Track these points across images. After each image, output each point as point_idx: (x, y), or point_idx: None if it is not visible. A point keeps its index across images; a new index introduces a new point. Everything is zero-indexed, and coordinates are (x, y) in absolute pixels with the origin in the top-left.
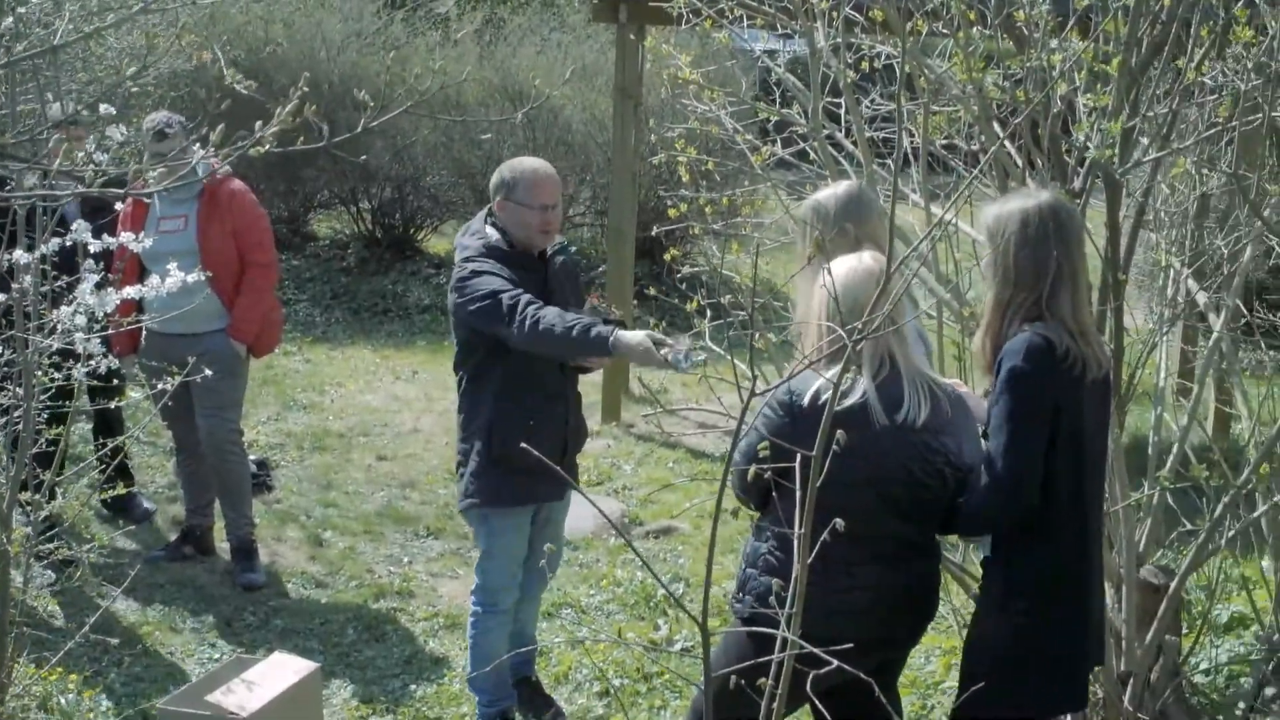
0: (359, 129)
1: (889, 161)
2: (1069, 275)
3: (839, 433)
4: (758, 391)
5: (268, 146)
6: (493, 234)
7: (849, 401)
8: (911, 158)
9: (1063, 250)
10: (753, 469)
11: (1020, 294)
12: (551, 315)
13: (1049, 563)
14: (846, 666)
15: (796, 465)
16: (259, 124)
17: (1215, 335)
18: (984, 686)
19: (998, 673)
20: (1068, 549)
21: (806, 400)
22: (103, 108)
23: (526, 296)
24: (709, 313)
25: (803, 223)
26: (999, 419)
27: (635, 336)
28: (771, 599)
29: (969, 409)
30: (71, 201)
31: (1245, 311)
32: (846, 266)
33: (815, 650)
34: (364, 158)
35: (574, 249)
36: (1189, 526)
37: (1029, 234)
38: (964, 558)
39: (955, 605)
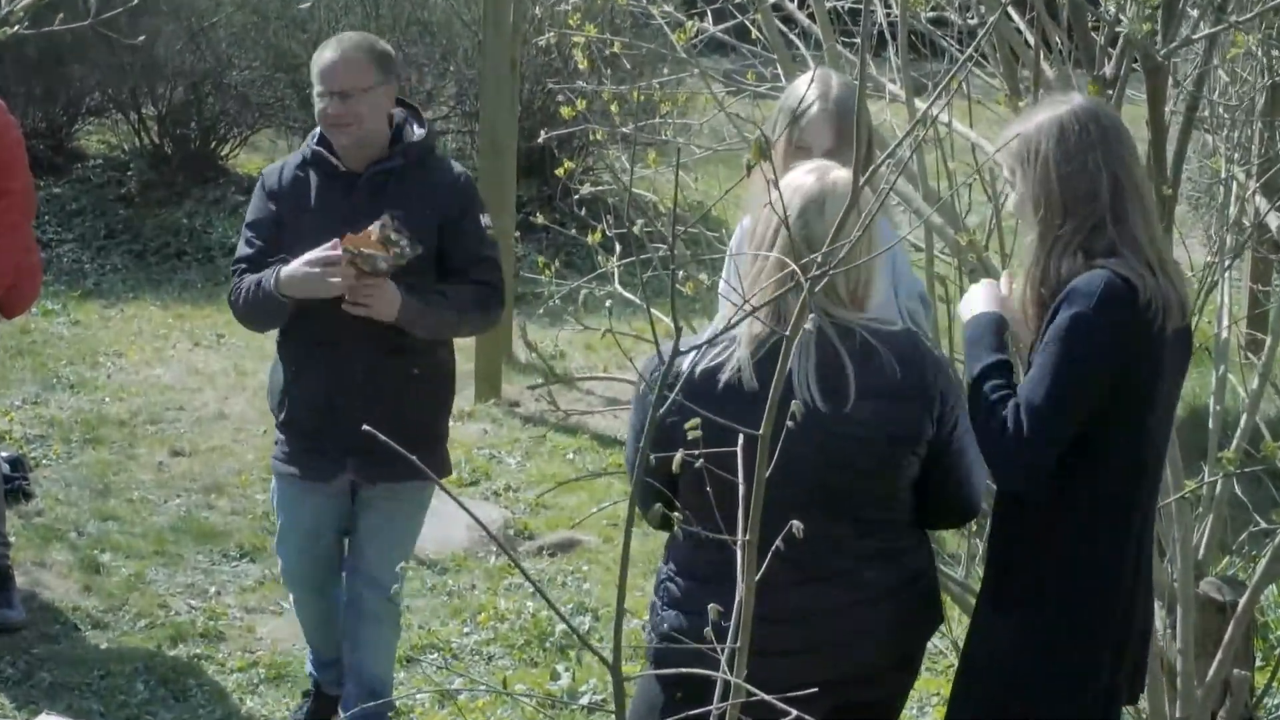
0: None
1: (856, 41)
2: (1133, 190)
3: (794, 403)
4: (683, 350)
5: (17, 26)
6: (312, 141)
7: (727, 367)
8: (888, 35)
9: (1117, 160)
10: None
11: (1073, 222)
12: (247, 282)
13: (1076, 560)
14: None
15: (688, 454)
16: None
17: None
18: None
19: (984, 689)
20: (1106, 546)
21: (694, 366)
22: None
23: (243, 265)
24: (618, 247)
25: (771, 121)
26: (1044, 368)
27: (297, 264)
28: (682, 637)
29: (933, 365)
30: None
31: None
32: (801, 178)
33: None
34: (142, 39)
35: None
36: (1263, 524)
37: (1070, 146)
38: (967, 572)
39: (957, 639)
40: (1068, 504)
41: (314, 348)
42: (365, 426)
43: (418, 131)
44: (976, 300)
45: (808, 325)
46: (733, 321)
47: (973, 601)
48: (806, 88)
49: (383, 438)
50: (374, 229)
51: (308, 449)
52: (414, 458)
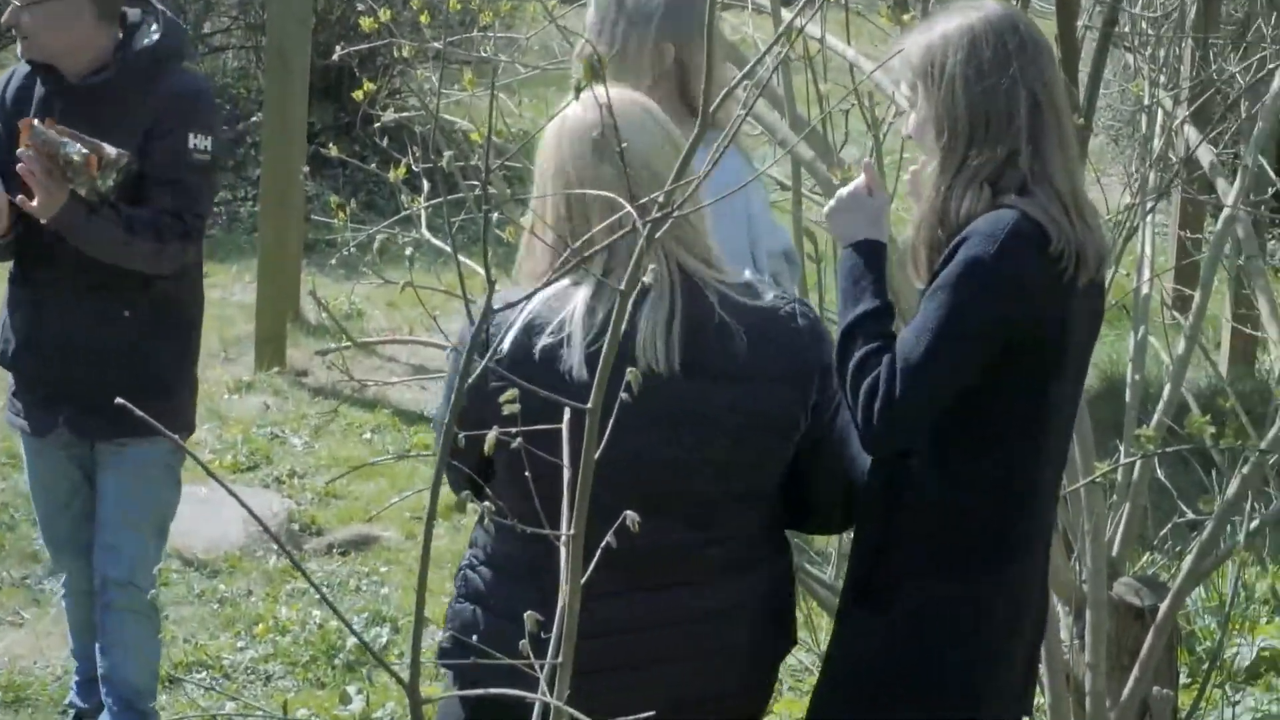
0: None
1: None
2: (1053, 116)
3: (630, 372)
4: (497, 307)
5: None
6: None
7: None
8: None
9: (1037, 80)
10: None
11: (983, 152)
12: None
13: (959, 549)
14: None
15: (503, 432)
16: None
17: (1227, 213)
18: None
19: (848, 693)
20: (995, 534)
21: (512, 339)
22: None
23: None
24: (426, 185)
25: (596, 27)
26: (927, 317)
27: None
28: (474, 638)
29: (810, 340)
30: None
31: (1274, 175)
32: (627, 108)
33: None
34: None
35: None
36: (1189, 515)
37: (983, 62)
38: (837, 572)
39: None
40: (949, 483)
41: (23, 283)
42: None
43: (151, 38)
44: (854, 220)
45: (647, 278)
46: (554, 275)
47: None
48: None
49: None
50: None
51: (27, 399)
52: (139, 410)
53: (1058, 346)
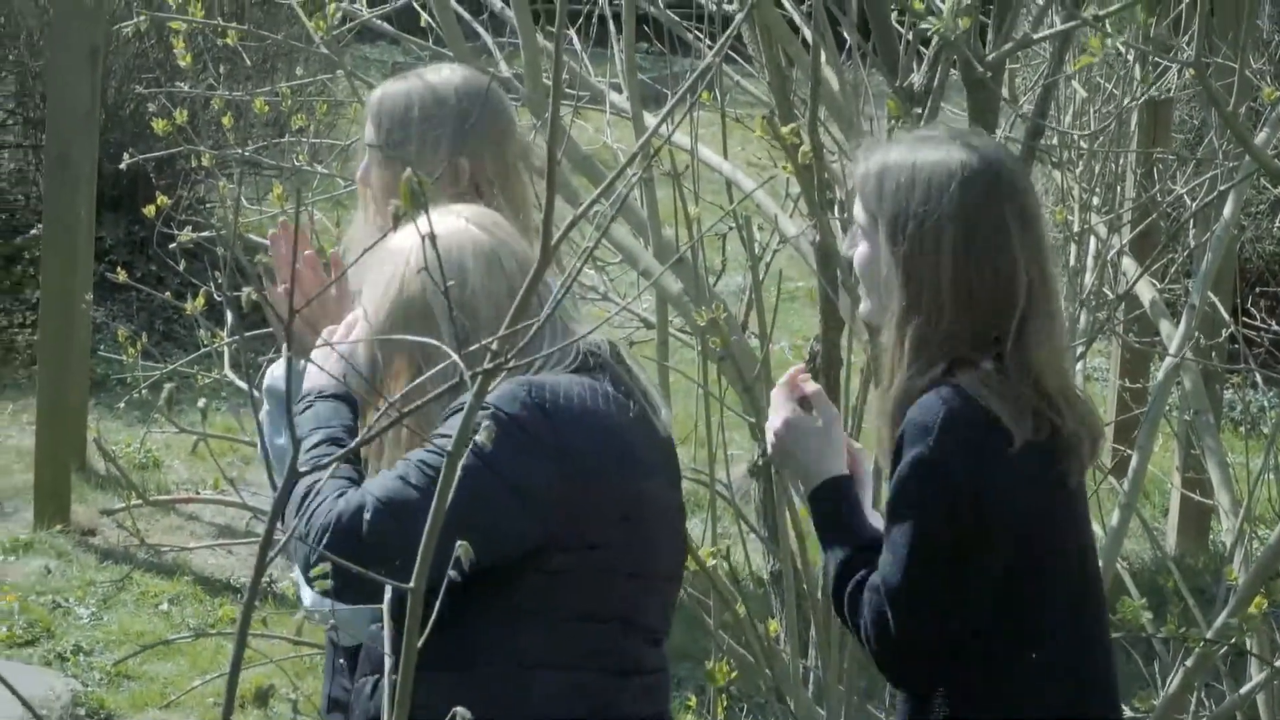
0: None
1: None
2: (1043, 293)
3: (461, 546)
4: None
5: None
6: None
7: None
8: (611, 21)
9: (1028, 245)
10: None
11: (961, 324)
12: None
13: None
14: None
15: None
16: None
17: (1170, 361)
18: None
19: None
20: None
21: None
22: None
23: None
24: (229, 316)
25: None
26: (895, 553)
27: None
28: None
29: None
30: None
31: (1227, 316)
32: (454, 230)
33: None
34: None
35: None
36: (1127, 713)
37: (974, 216)
38: None
39: None
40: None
41: None
42: None
43: None
44: (805, 456)
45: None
46: (370, 433)
47: None
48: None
49: None
50: None
51: None
52: None
53: (1057, 536)
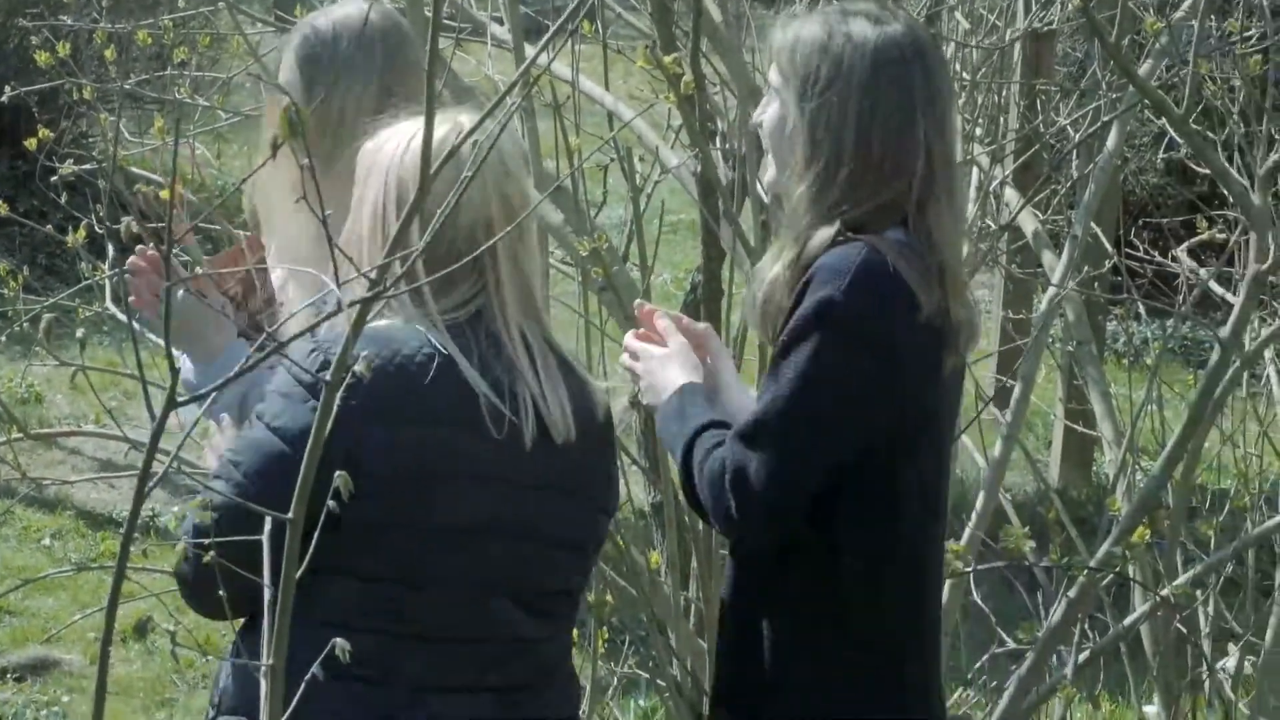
0: None
1: None
2: (944, 170)
3: (340, 475)
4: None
5: None
6: None
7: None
8: None
9: (932, 119)
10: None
11: (858, 192)
12: None
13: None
14: None
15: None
16: None
17: (1052, 291)
18: None
19: None
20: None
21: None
22: None
23: None
24: (111, 249)
25: (298, 78)
26: (779, 387)
27: None
28: None
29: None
30: None
31: (1110, 248)
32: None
33: None
34: None
35: None
36: (1009, 644)
37: (882, 85)
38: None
39: None
40: (829, 569)
41: None
42: None
43: None
44: (662, 380)
45: (359, 366)
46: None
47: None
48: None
49: None
50: None
51: None
52: None
53: (934, 412)
